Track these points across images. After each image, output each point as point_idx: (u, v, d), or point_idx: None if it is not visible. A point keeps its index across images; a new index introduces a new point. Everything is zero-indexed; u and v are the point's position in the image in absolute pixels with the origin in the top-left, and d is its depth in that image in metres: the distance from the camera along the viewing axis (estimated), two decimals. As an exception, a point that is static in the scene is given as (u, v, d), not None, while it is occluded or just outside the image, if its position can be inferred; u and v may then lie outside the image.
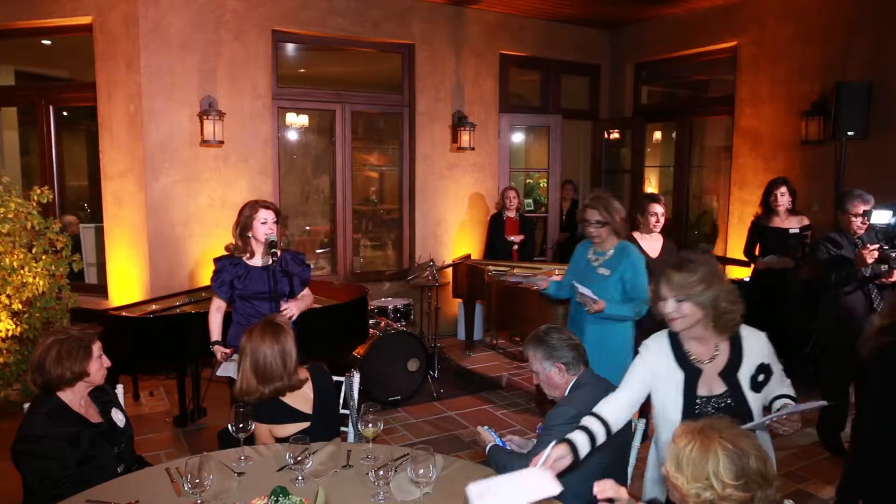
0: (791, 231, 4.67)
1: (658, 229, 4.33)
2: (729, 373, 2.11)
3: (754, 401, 2.11)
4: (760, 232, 4.81)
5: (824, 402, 2.17)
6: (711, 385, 2.11)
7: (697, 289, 2.04)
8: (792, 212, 4.72)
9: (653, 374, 2.15)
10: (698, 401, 2.09)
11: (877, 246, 3.74)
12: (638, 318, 3.35)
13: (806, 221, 4.72)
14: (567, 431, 2.15)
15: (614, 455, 2.27)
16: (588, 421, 2.08)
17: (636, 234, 4.40)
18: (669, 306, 2.08)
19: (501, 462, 2.24)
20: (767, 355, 2.15)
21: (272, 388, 2.50)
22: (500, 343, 6.65)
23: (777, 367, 2.19)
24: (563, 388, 2.41)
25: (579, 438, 2.01)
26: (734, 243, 6.10)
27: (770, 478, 1.52)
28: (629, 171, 7.60)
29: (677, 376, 2.13)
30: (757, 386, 2.11)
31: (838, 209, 4.05)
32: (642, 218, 4.35)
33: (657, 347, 2.19)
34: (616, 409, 2.12)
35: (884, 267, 3.74)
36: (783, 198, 4.65)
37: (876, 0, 5.22)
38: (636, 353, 2.28)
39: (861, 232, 3.93)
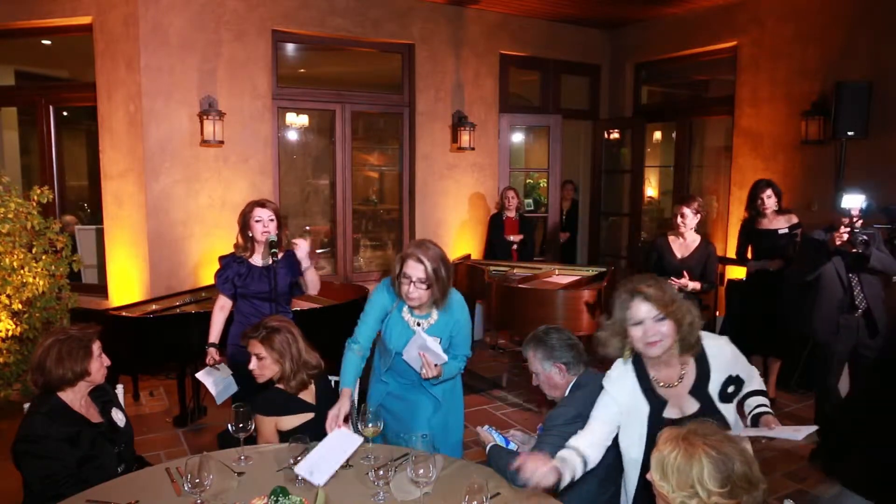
0: (780, 231, 4.64)
1: (684, 230, 4.40)
2: (699, 389, 2.03)
3: (729, 412, 2.04)
4: (749, 235, 4.78)
5: (815, 427, 2.04)
6: (683, 405, 2.02)
7: (677, 303, 1.92)
8: (779, 212, 4.68)
9: (620, 410, 2.05)
10: (663, 424, 1.97)
11: (847, 229, 3.68)
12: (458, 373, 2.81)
13: (795, 220, 4.67)
14: (567, 432, 2.15)
15: (613, 455, 2.26)
16: (569, 454, 2.00)
17: (670, 236, 4.51)
18: (649, 328, 1.93)
19: (502, 462, 2.23)
20: (733, 363, 2.07)
21: (313, 368, 2.62)
22: (500, 343, 6.65)
23: (743, 366, 2.15)
24: (564, 388, 2.41)
25: (570, 458, 1.97)
26: (734, 243, 6.07)
27: (755, 481, 1.50)
28: (629, 171, 7.60)
29: (643, 409, 2.03)
30: (728, 397, 2.04)
31: (834, 207, 4.03)
32: (674, 219, 4.45)
33: (622, 378, 2.06)
34: (591, 443, 2.04)
35: (854, 250, 3.65)
36: (769, 200, 4.61)
37: (876, 0, 5.22)
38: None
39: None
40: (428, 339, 2.52)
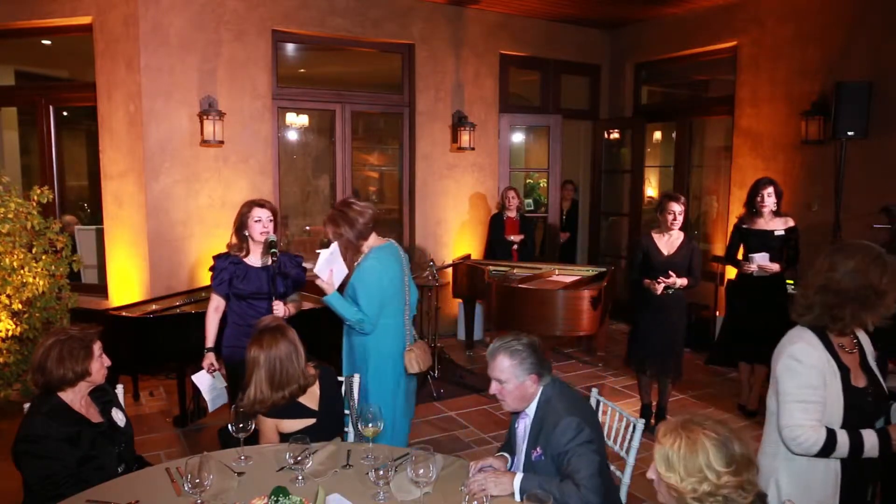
0: (776, 233, 4.53)
1: (676, 227, 4.33)
2: (865, 362, 2.14)
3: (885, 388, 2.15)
4: (743, 235, 4.67)
5: None
6: (857, 377, 2.09)
7: None
8: (777, 213, 4.58)
9: (822, 375, 2.04)
10: (856, 393, 2.05)
11: None
12: (359, 329, 3.20)
13: (791, 223, 4.58)
14: (587, 441, 2.08)
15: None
16: (841, 434, 2.00)
17: (654, 234, 4.41)
18: None
19: (545, 485, 2.05)
20: (870, 347, 2.19)
21: (291, 391, 2.50)
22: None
23: None
24: (531, 399, 2.26)
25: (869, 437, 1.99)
26: (734, 243, 6.10)
27: (753, 459, 1.56)
28: (629, 171, 7.60)
29: (837, 373, 2.06)
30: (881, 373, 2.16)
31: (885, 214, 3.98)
32: (661, 216, 4.35)
33: (811, 346, 2.06)
34: (824, 411, 2.03)
35: None
36: (770, 199, 4.51)
37: (876, 0, 5.22)
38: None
39: None
40: (321, 257, 3.09)
